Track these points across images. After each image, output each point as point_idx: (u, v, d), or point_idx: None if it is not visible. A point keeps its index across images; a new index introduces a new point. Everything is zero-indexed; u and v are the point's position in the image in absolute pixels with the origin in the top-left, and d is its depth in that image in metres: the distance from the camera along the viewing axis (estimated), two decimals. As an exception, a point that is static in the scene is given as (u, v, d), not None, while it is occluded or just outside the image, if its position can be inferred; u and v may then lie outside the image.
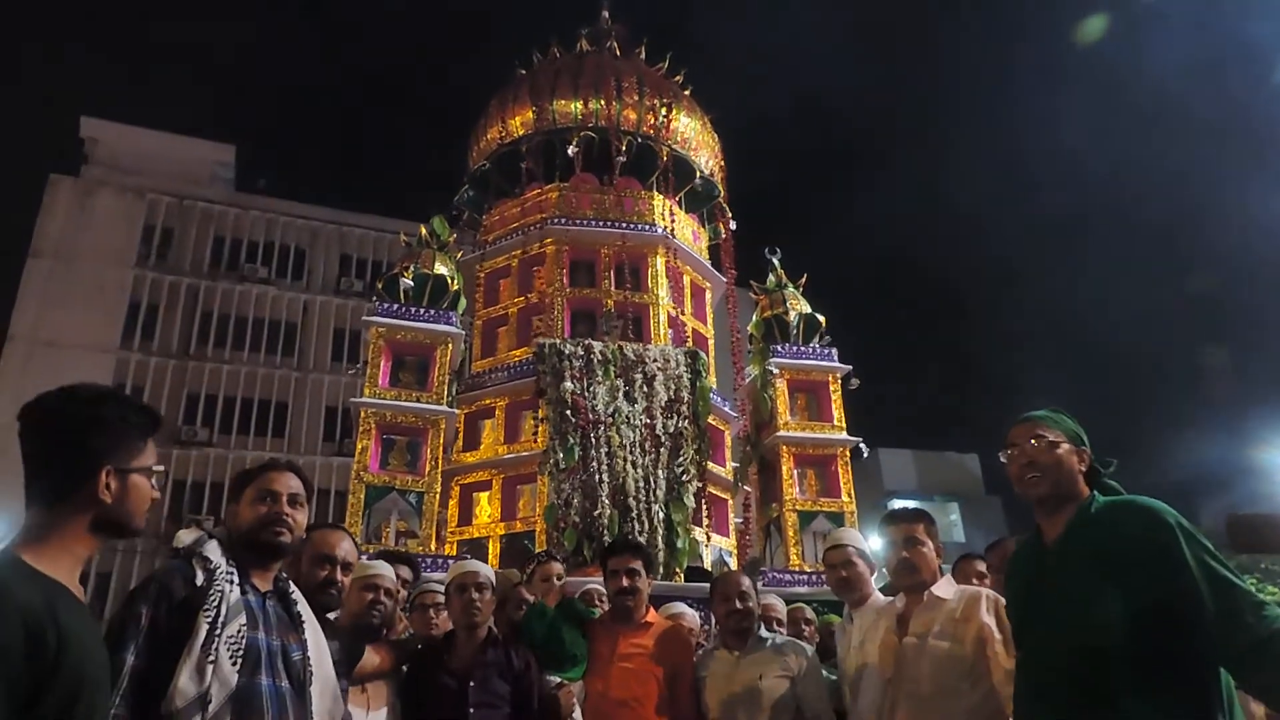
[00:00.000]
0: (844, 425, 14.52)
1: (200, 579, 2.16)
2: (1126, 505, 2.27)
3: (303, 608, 2.43)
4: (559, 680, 3.77)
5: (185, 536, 2.37)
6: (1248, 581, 2.11)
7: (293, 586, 2.47)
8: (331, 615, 3.19)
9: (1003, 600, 2.87)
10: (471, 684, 3.42)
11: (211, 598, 2.12)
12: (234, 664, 2.07)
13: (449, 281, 13.84)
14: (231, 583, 2.20)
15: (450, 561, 11.43)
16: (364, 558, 3.70)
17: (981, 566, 4.67)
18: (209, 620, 2.09)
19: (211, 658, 2.04)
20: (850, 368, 14.64)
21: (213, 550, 2.24)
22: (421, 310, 13.49)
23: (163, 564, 2.33)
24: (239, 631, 2.13)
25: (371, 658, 3.29)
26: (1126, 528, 2.18)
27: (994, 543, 4.97)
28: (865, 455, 14.73)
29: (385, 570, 3.62)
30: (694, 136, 16.50)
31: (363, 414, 12.83)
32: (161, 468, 1.82)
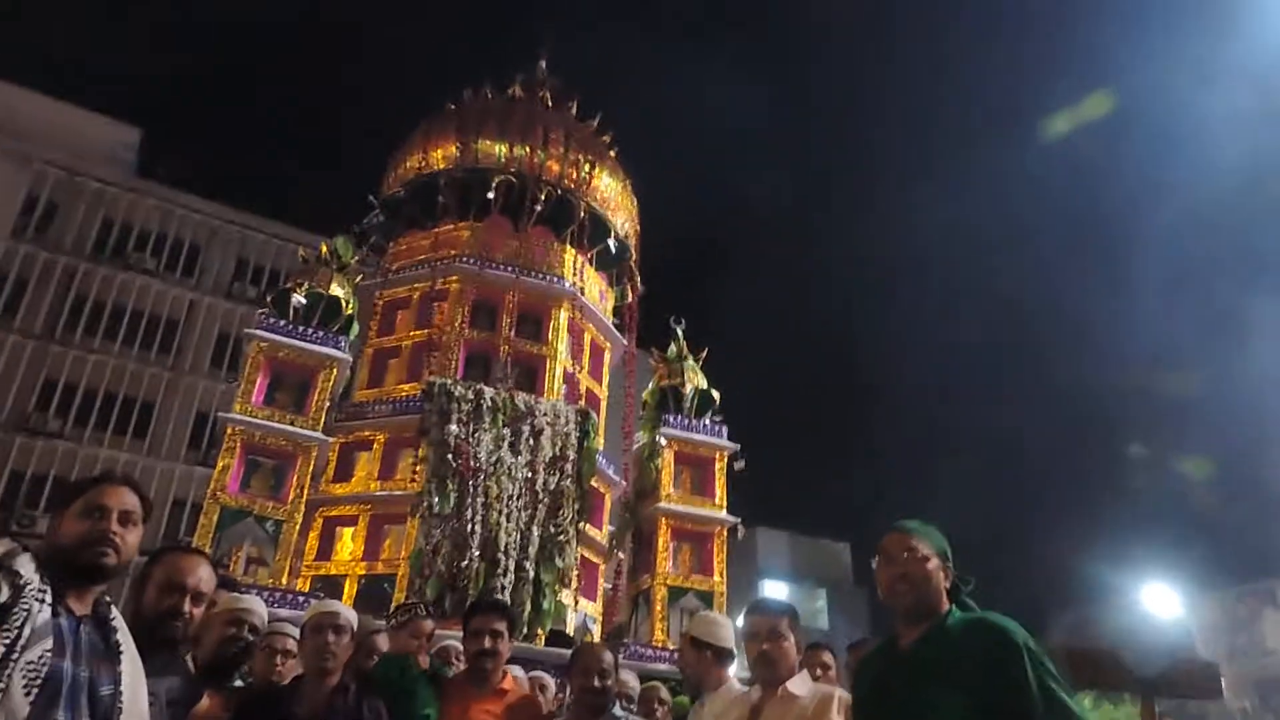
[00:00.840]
0: (725, 504, 14.57)
1: (4, 595, 1.89)
2: (980, 622, 2.34)
3: (123, 637, 2.17)
4: None
5: None
6: (1083, 700, 2.18)
7: (114, 612, 2.20)
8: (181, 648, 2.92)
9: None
10: None
11: (15, 617, 1.87)
12: (27, 694, 1.83)
13: (343, 304, 13.41)
14: (42, 602, 1.94)
15: (303, 598, 10.87)
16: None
17: (827, 658, 4.74)
18: (5, 642, 1.83)
19: (1, 685, 1.80)
20: (738, 446, 14.77)
21: (24, 564, 1.97)
22: (310, 330, 12.98)
23: None
24: (41, 658, 1.87)
25: (202, 703, 2.99)
26: (977, 644, 2.25)
27: (857, 642, 5.05)
28: (740, 537, 14.80)
29: (256, 606, 3.39)
30: (613, 197, 16.62)
31: (229, 430, 12.18)
32: None
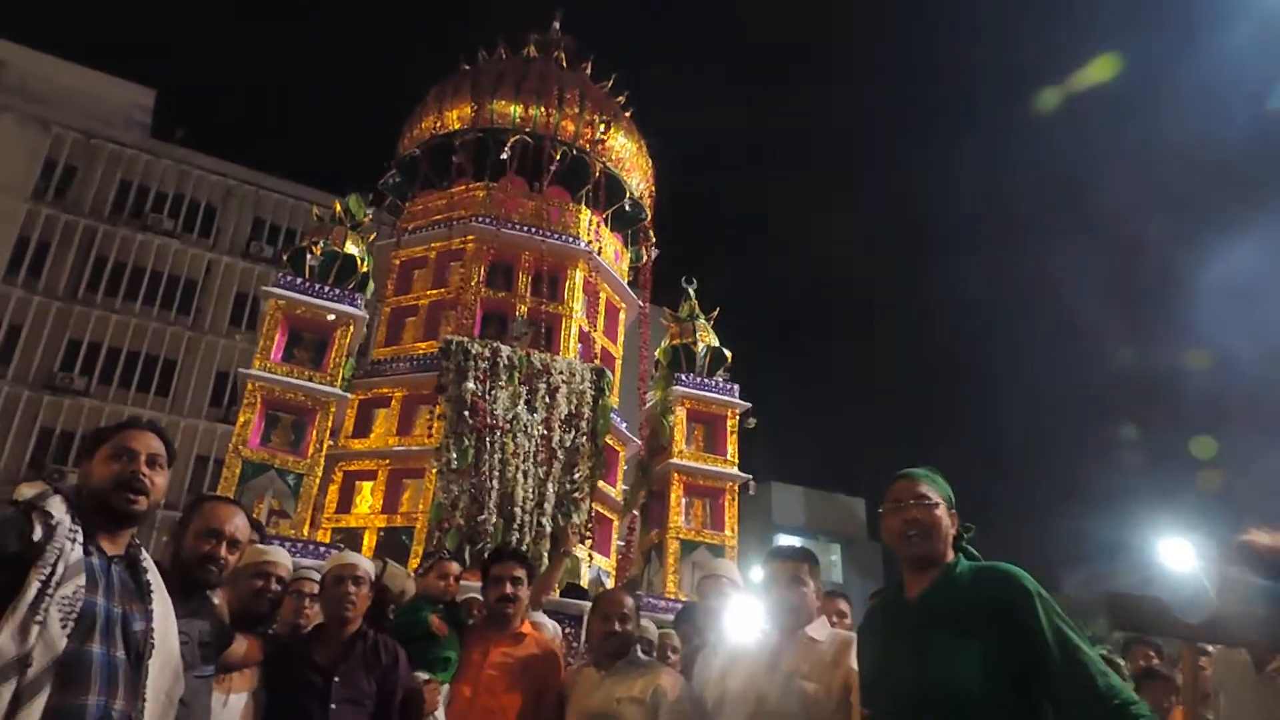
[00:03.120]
0: (736, 460, 14.73)
1: (39, 534, 2.00)
2: (989, 570, 2.38)
3: (153, 577, 2.29)
4: (427, 678, 3.74)
5: (27, 490, 2.18)
6: (1098, 650, 2.25)
7: (144, 554, 2.31)
8: (212, 593, 3.07)
9: None
10: (336, 679, 3.35)
11: (48, 555, 1.97)
12: (64, 627, 1.94)
13: (359, 262, 13.54)
14: (74, 541, 2.05)
15: (324, 549, 11.14)
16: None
17: (843, 605, 4.79)
18: (42, 578, 1.94)
19: (39, 618, 1.90)
20: (749, 405, 14.88)
21: (55, 505, 2.08)
22: (326, 288, 13.14)
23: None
24: (75, 593, 1.99)
25: (239, 645, 3.16)
26: (987, 591, 2.28)
27: (876, 591, 5.14)
28: (751, 493, 14.97)
29: (281, 558, 3.54)
30: (628, 157, 16.59)
31: (249, 386, 12.39)
32: None
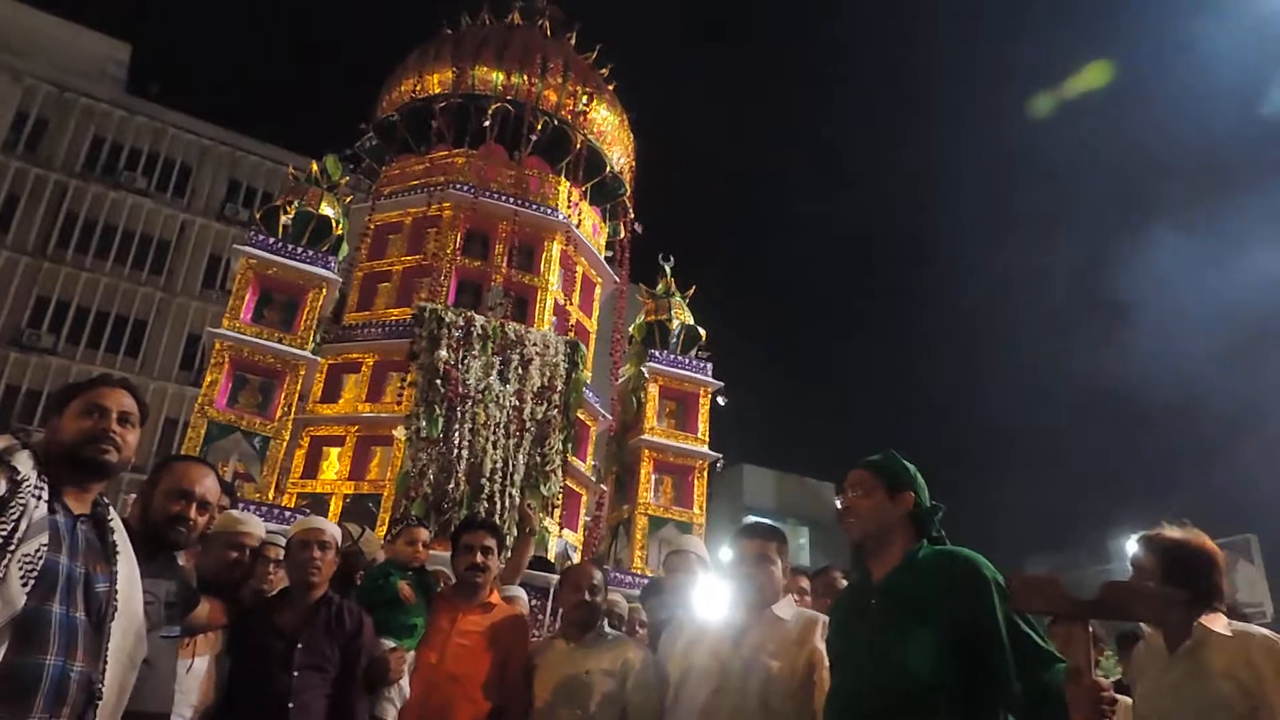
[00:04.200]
0: (708, 439, 14.75)
1: (2, 489, 1.95)
2: (950, 555, 2.39)
3: (119, 537, 2.23)
4: (392, 645, 3.73)
5: None
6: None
7: (112, 513, 2.26)
8: (179, 554, 3.02)
9: None
10: (299, 645, 3.32)
11: (11, 511, 1.92)
12: (24, 585, 1.89)
13: (333, 224, 13.36)
14: (39, 498, 2.00)
15: (289, 514, 11.05)
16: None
17: (804, 583, 4.79)
18: (3, 535, 1.89)
19: None
20: (721, 384, 14.90)
21: (22, 460, 2.03)
22: (299, 249, 12.96)
23: None
24: (37, 551, 1.93)
25: (202, 609, 3.12)
26: (945, 576, 2.30)
27: (820, 570, 5.13)
28: (720, 470, 15.03)
29: (255, 527, 3.51)
30: (610, 131, 16.46)
31: (217, 345, 12.23)
32: None
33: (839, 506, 2.57)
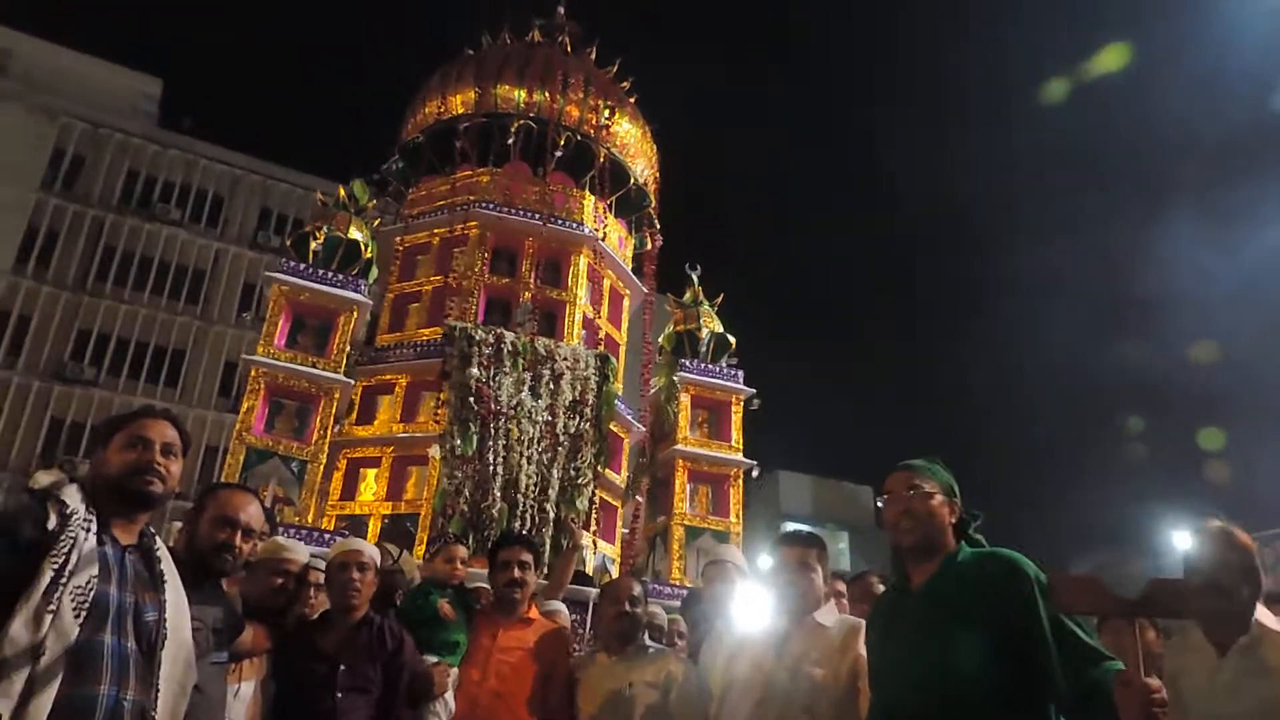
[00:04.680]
0: (741, 446, 14.69)
1: (53, 523, 1.98)
2: (991, 557, 2.37)
3: (166, 566, 2.27)
4: (435, 660, 3.76)
5: (43, 478, 2.18)
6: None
7: (158, 542, 2.30)
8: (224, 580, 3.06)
9: None
10: (342, 668, 3.34)
11: (62, 544, 1.96)
12: (77, 617, 1.92)
13: (362, 248, 13.53)
14: (88, 531, 2.04)
15: (329, 536, 11.15)
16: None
17: (841, 586, 4.74)
18: (55, 567, 1.92)
19: (52, 607, 1.88)
20: (754, 391, 14.85)
21: (71, 494, 2.07)
22: (329, 274, 13.12)
23: (12, 502, 2.15)
24: (88, 583, 1.97)
25: (247, 634, 3.14)
26: (988, 578, 2.28)
27: (857, 575, 5.07)
28: (756, 476, 14.96)
29: (299, 554, 3.53)
30: (633, 143, 16.52)
31: (253, 372, 12.42)
32: None
33: (896, 509, 2.49)
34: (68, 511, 2.03)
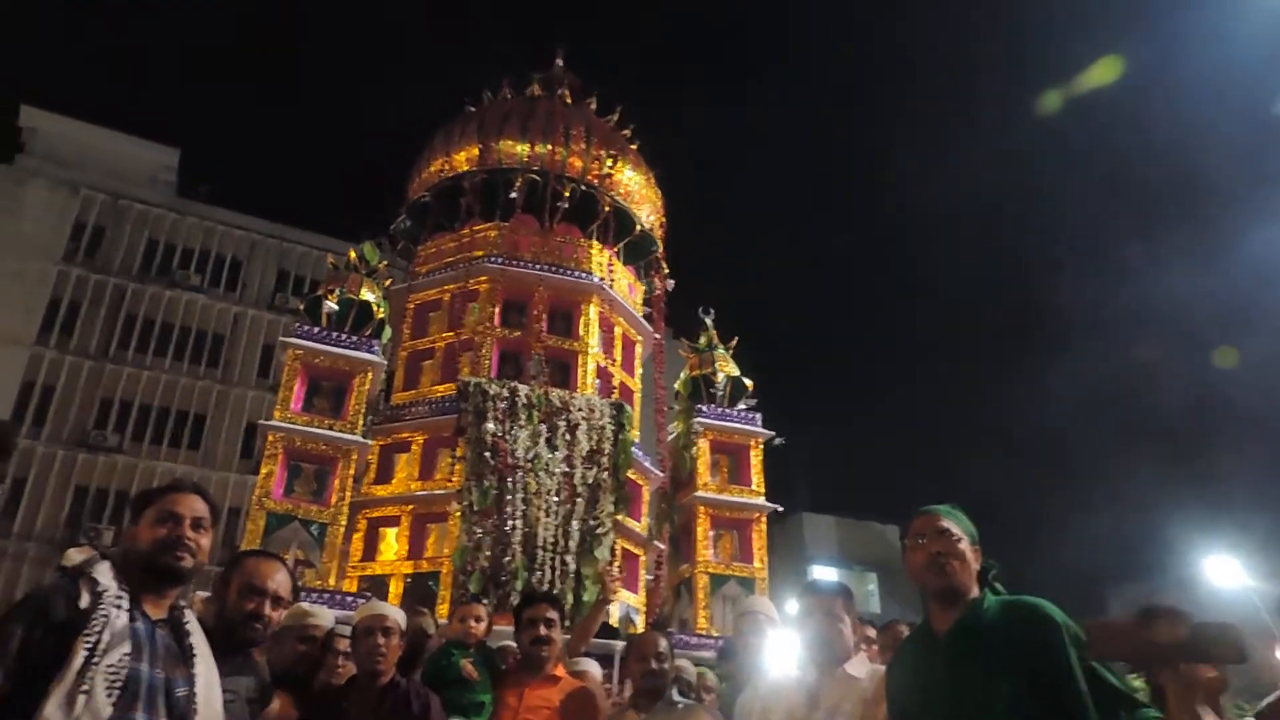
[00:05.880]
0: (763, 490, 14.55)
1: (85, 601, 2.00)
2: (1017, 604, 2.35)
3: (196, 639, 2.27)
4: None
5: (75, 555, 2.21)
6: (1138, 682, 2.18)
7: (188, 616, 2.31)
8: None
9: None
10: None
11: (94, 623, 1.98)
12: (109, 696, 1.93)
13: (374, 309, 13.62)
14: (119, 607, 2.05)
15: (351, 598, 11.09)
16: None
17: (871, 632, 4.69)
18: (88, 647, 1.94)
19: (85, 687, 1.89)
20: (773, 433, 14.74)
21: (103, 572, 2.09)
22: (343, 336, 13.21)
23: (47, 582, 2.19)
24: (120, 661, 1.98)
25: (275, 704, 3.13)
26: (1016, 625, 2.26)
27: (886, 625, 5.02)
28: (782, 520, 14.79)
29: (324, 619, 3.54)
30: (637, 190, 16.64)
31: (270, 437, 12.46)
32: None
33: (927, 552, 2.45)
34: (99, 589, 2.05)
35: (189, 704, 2.14)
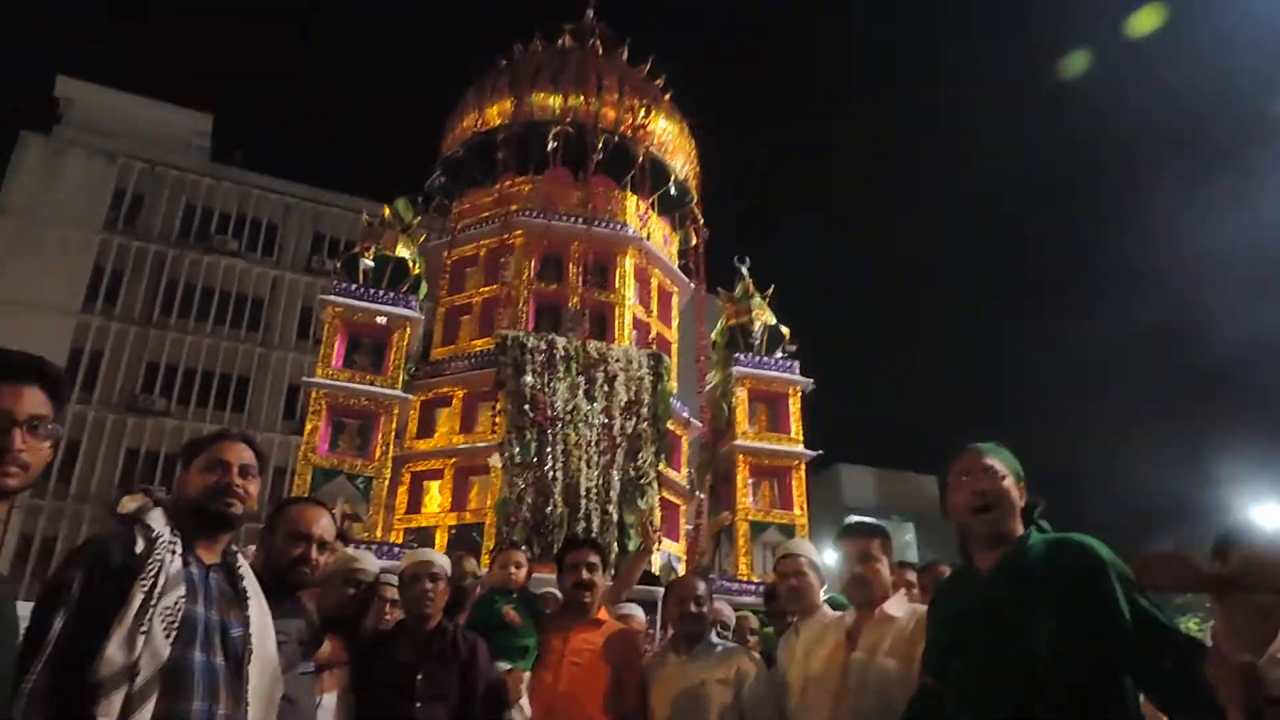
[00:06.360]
0: (802, 438, 14.54)
1: (140, 547, 2.06)
2: (1062, 541, 2.32)
3: (249, 584, 2.34)
4: (508, 667, 3.79)
5: (129, 503, 2.28)
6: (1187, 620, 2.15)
7: (241, 560, 2.38)
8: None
9: None
10: (419, 676, 3.38)
11: (150, 567, 2.03)
12: (167, 636, 1.99)
13: (410, 265, 13.70)
14: (173, 553, 2.11)
15: (398, 550, 11.30)
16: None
17: (911, 576, 4.67)
18: (144, 590, 2.00)
19: (144, 628, 1.96)
20: (811, 380, 14.68)
21: (156, 518, 2.16)
22: (380, 292, 13.32)
23: (103, 529, 2.25)
24: (176, 603, 2.04)
25: (325, 647, 3.21)
26: (1061, 562, 2.24)
27: (926, 564, 4.98)
28: (819, 468, 14.78)
29: (369, 564, 3.61)
30: (671, 140, 16.47)
31: (314, 394, 12.66)
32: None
33: (971, 490, 2.41)
34: (153, 535, 2.10)
35: (244, 644, 2.20)
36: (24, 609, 1.93)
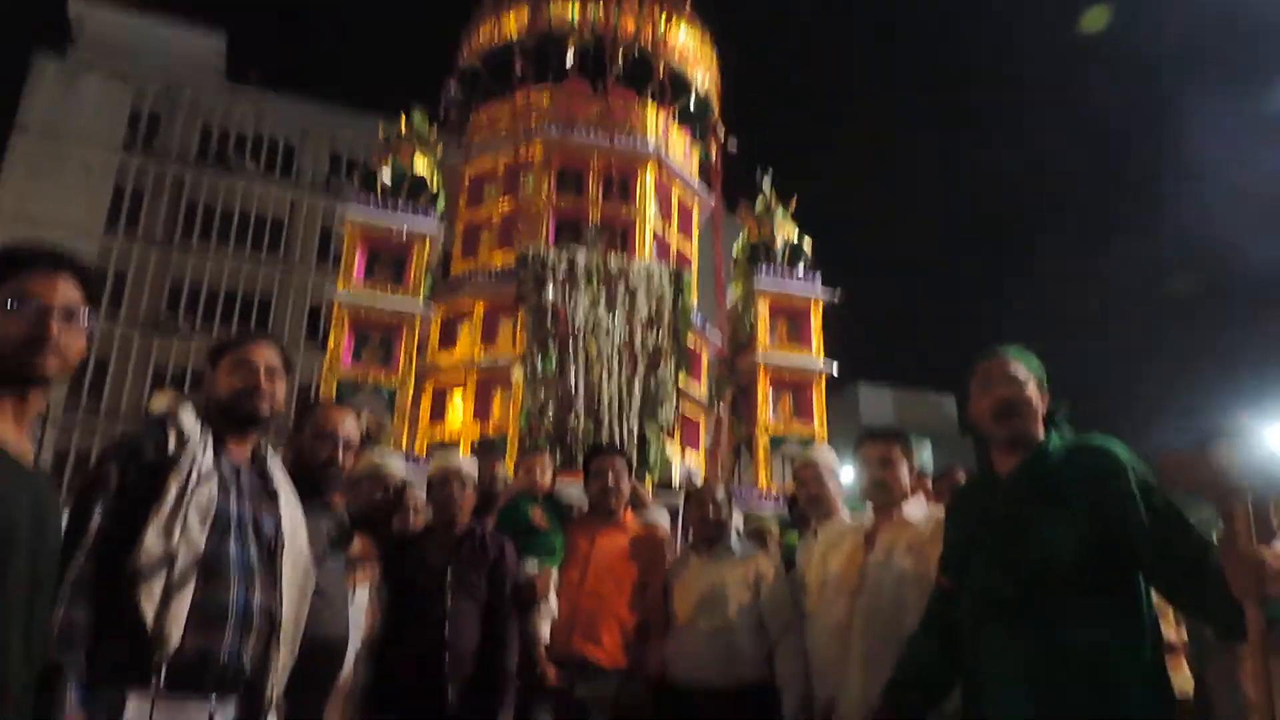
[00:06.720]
0: (823, 352, 14.54)
1: (172, 444, 2.10)
2: (1083, 445, 2.31)
3: (280, 479, 2.38)
4: (537, 567, 3.88)
5: (160, 403, 2.33)
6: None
7: (271, 455, 2.42)
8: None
9: None
10: (449, 576, 3.47)
11: (183, 462, 2.08)
12: (202, 528, 2.04)
13: (428, 178, 13.62)
14: (205, 448, 2.14)
15: (422, 461, 11.52)
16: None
17: (929, 484, 4.69)
18: (179, 484, 2.04)
19: (180, 520, 2.01)
20: (833, 292, 14.60)
21: (187, 416, 2.17)
22: (399, 205, 13.29)
23: (135, 427, 2.29)
24: (209, 497, 2.08)
25: (355, 545, 3.31)
26: (1080, 464, 2.24)
27: (944, 471, 4.99)
28: (839, 384, 14.82)
29: (396, 467, 3.67)
30: (692, 51, 16.11)
31: (336, 308, 12.75)
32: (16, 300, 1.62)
33: (992, 396, 2.34)
34: (185, 432, 2.14)
35: (276, 536, 2.25)
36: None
